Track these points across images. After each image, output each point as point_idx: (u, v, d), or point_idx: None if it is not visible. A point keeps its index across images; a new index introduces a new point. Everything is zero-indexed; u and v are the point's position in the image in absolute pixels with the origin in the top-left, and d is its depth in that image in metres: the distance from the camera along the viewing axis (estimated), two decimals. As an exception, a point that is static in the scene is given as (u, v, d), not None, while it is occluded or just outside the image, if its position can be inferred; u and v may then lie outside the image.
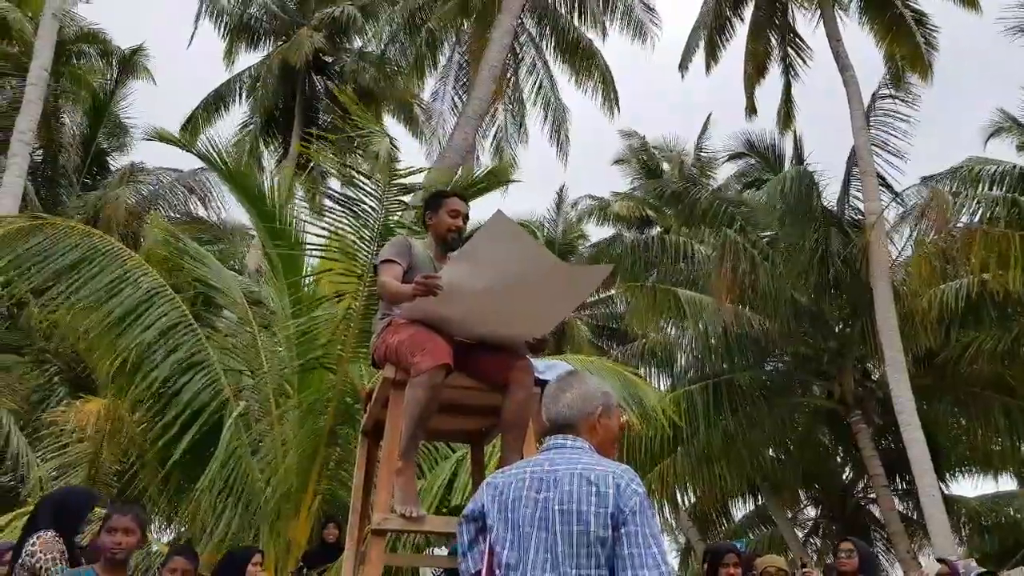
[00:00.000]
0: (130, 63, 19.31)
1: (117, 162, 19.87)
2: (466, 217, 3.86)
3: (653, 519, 2.16)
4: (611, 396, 2.45)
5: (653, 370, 16.32)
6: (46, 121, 16.12)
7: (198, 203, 18.69)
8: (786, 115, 17.53)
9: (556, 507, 2.12)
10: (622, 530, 2.08)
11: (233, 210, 19.98)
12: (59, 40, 15.93)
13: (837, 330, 15.28)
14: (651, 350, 15.96)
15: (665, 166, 22.51)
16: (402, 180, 7.07)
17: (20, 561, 4.17)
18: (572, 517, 2.09)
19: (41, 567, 4.04)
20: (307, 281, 7.90)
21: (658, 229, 22.14)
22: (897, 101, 14.42)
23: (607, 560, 2.07)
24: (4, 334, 13.54)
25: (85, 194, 17.12)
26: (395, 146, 7.26)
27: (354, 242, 7.40)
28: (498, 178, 10.04)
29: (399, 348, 3.36)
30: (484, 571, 2.18)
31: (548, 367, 3.86)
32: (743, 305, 14.66)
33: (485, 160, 20.40)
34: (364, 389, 7.59)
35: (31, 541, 4.16)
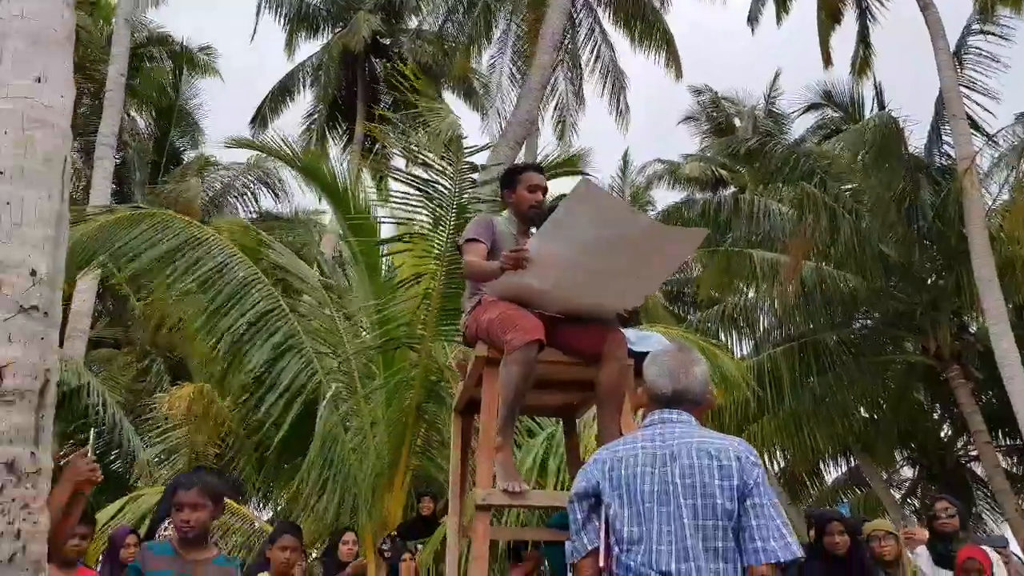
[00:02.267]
0: (198, 63, 19.78)
1: (190, 159, 20.45)
2: (545, 190, 3.80)
3: (772, 490, 2.16)
4: None
5: (734, 335, 16.00)
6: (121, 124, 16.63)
7: (267, 192, 19.15)
8: (863, 61, 16.80)
9: (679, 481, 2.10)
10: (747, 502, 2.09)
11: (301, 198, 20.36)
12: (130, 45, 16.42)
13: (929, 283, 14.67)
14: (730, 315, 15.63)
15: (736, 122, 21.81)
16: (471, 158, 7.06)
17: None
18: (696, 490, 2.09)
19: None
20: (388, 266, 7.98)
21: (731, 189, 21.60)
22: (987, 37, 13.62)
23: (733, 532, 2.06)
24: (105, 329, 14.15)
25: (159, 186, 17.65)
26: (459, 124, 7.22)
27: (429, 223, 7.45)
28: (572, 166, 9.96)
29: (490, 326, 3.35)
30: (602, 548, 2.15)
31: (640, 338, 3.79)
32: (826, 262, 14.20)
33: (547, 132, 20.24)
34: (459, 363, 7.70)
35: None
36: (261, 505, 10.94)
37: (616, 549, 2.13)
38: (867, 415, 15.51)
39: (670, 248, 3.26)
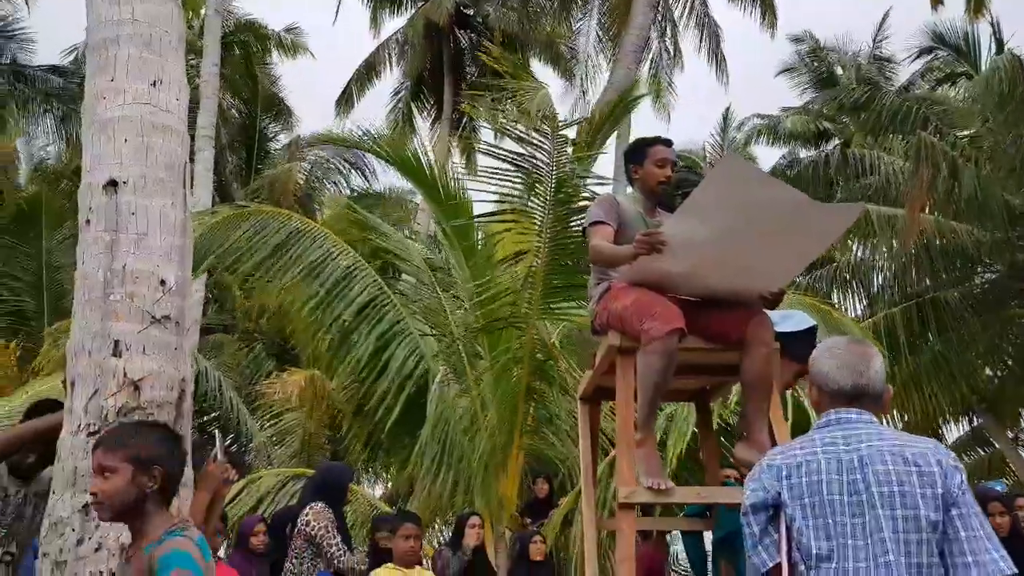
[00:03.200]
0: (285, 45, 20.04)
1: (281, 144, 20.85)
2: (675, 164, 3.55)
3: (973, 497, 1.93)
4: None
5: (848, 295, 15.28)
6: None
7: (357, 173, 19.34)
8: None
9: (875, 489, 1.88)
10: (952, 512, 1.87)
11: (393, 175, 20.45)
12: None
13: (1057, 232, 13.65)
14: (841, 274, 14.94)
15: (839, 71, 20.66)
16: (566, 131, 6.84)
17: (297, 530, 4.88)
18: (896, 500, 1.87)
19: (316, 534, 4.75)
20: (484, 244, 7.89)
21: (837, 142, 20.57)
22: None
23: (937, 544, 1.85)
24: (213, 316, 14.61)
25: (259, 175, 18.04)
26: (550, 98, 7.00)
27: (527, 198, 7.29)
28: (628, 98, 9.54)
29: (624, 314, 3.15)
30: (784, 565, 1.96)
31: (783, 317, 3.53)
32: (945, 214, 13.36)
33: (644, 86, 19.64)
34: (552, 348, 7.52)
35: (305, 512, 4.84)
36: (380, 484, 11.13)
37: (801, 566, 1.93)
38: (991, 373, 14.65)
39: (821, 226, 2.98)
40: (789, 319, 3.69)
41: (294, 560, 4.95)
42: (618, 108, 9.08)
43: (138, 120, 2.99)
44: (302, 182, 17.62)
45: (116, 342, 2.74)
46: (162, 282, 2.86)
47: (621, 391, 3.25)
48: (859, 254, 15.29)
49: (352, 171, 19.69)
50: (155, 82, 3.07)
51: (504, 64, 7.68)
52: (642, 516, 3.87)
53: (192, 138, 14.01)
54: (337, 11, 21.86)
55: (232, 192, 18.10)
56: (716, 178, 2.86)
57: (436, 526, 8.49)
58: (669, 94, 19.19)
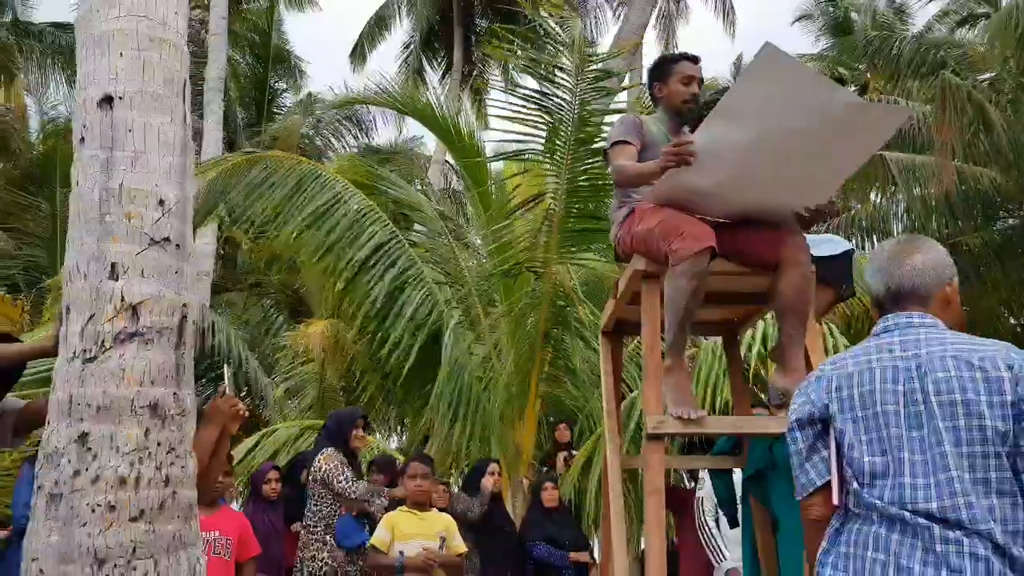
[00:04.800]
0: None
1: (292, 100, 20.57)
2: (701, 81, 3.34)
3: None
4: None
5: (866, 243, 14.99)
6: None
7: (361, 131, 19.07)
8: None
9: (934, 399, 1.69)
10: None
11: (397, 132, 20.17)
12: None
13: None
14: (859, 222, 14.63)
15: (855, 16, 20.11)
16: (596, 65, 6.60)
17: (312, 478, 4.96)
18: (958, 409, 1.67)
19: (327, 476, 4.84)
20: (500, 189, 7.72)
21: (853, 88, 20.09)
22: None
23: (1008, 458, 1.65)
24: (220, 272, 14.51)
25: (264, 126, 17.82)
26: (581, 27, 6.73)
27: (548, 139, 7.08)
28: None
29: (649, 236, 2.97)
30: (835, 483, 1.79)
31: (815, 242, 3.34)
32: (968, 159, 13.00)
33: (651, 39, 19.23)
34: (570, 291, 7.37)
35: (317, 459, 4.93)
36: (394, 436, 11.08)
37: (853, 484, 1.76)
38: (1014, 321, 14.38)
39: (865, 131, 2.71)
40: (826, 243, 3.50)
41: (313, 507, 4.92)
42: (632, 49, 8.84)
43: (134, 33, 2.79)
44: (308, 137, 17.38)
45: (113, 264, 2.58)
46: (161, 202, 2.70)
47: (648, 319, 3.08)
48: (878, 202, 14.96)
49: (358, 128, 19.44)
50: (150, -6, 2.87)
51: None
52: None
53: (201, 91, 13.89)
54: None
55: (240, 147, 17.91)
56: (753, 76, 2.57)
57: (453, 477, 8.42)
58: (675, 45, 18.73)
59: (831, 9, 20.46)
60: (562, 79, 6.68)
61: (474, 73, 21.07)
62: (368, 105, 19.73)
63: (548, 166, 7.13)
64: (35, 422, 2.83)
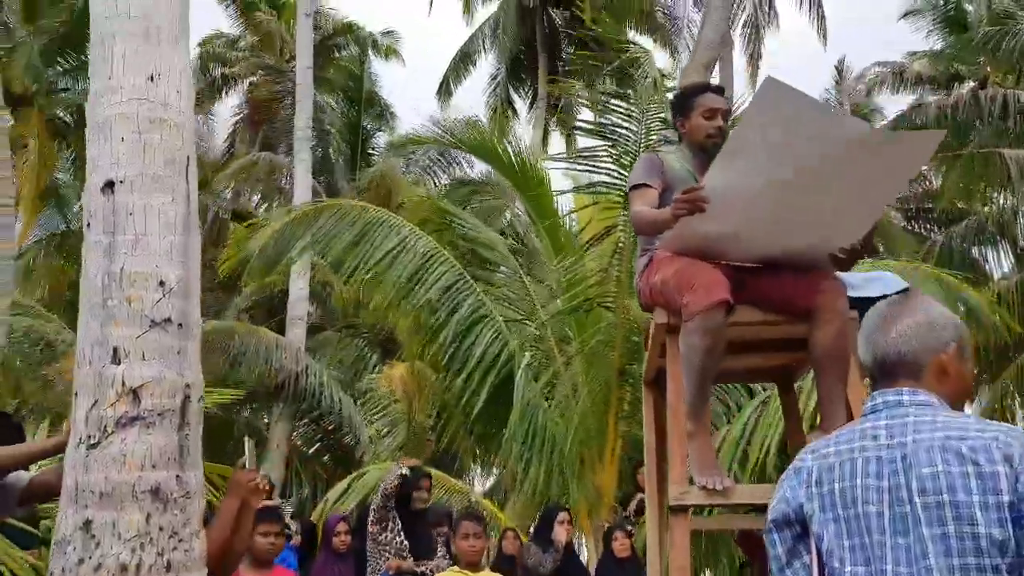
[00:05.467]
0: (381, 48, 20.36)
1: (383, 142, 21.16)
2: (727, 114, 3.11)
3: None
4: (965, 329, 1.66)
5: (995, 252, 13.92)
6: (316, 116, 17.41)
7: (449, 164, 19.36)
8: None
9: (918, 500, 1.42)
10: None
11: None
12: (319, 37, 17.09)
13: None
14: (982, 227, 13.63)
15: (968, 7, 18.90)
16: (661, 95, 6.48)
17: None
18: (947, 513, 1.39)
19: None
20: (569, 224, 7.63)
21: (970, 84, 18.86)
22: None
23: (1011, 572, 1.37)
24: (320, 312, 14.94)
25: (362, 171, 18.37)
26: (654, 62, 6.66)
27: (615, 171, 6.97)
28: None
29: (665, 288, 2.78)
30: None
31: (867, 280, 3.05)
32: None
33: (739, 57, 18.68)
34: (644, 328, 7.15)
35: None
36: (480, 475, 11.04)
37: None
38: None
39: (895, 160, 2.47)
40: (876, 282, 3.18)
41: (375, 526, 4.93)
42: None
43: (135, 117, 2.85)
44: (403, 172, 17.80)
45: (115, 349, 2.62)
46: (161, 283, 2.72)
47: (671, 376, 2.87)
48: (1003, 204, 13.90)
49: (447, 163, 19.76)
50: (152, 76, 2.92)
51: (600, 27, 7.39)
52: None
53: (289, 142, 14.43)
54: (431, 3, 21.72)
55: (340, 191, 18.48)
56: (757, 111, 2.38)
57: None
58: (764, 56, 18.14)
59: (941, 2, 19.31)
60: (628, 110, 6.58)
61: (560, 101, 21.09)
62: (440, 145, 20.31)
63: (618, 198, 6.99)
64: (43, 495, 2.88)
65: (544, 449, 7.10)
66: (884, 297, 3.17)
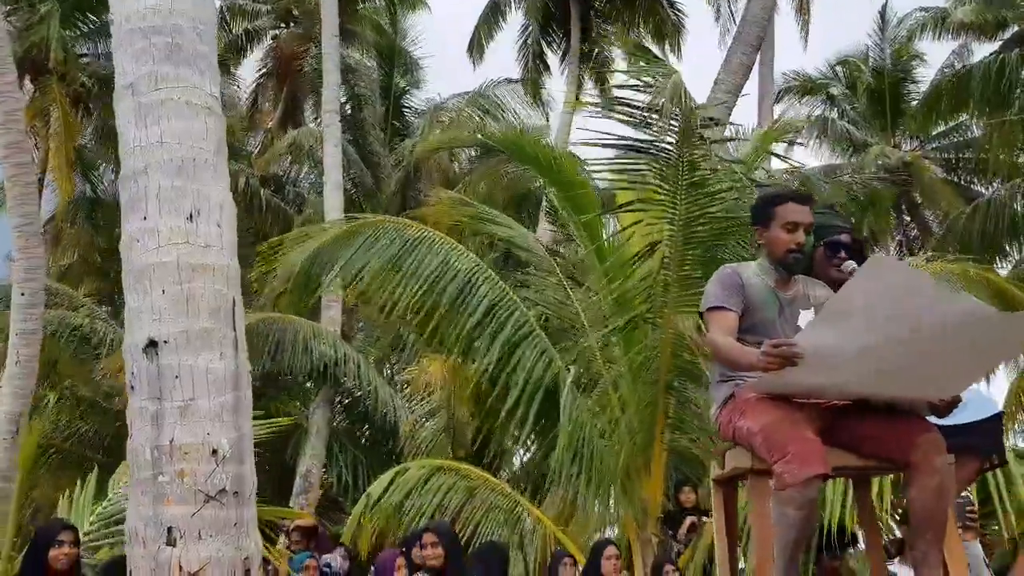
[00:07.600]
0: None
1: (415, 99, 20.71)
2: (809, 227, 2.87)
3: None
4: None
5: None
6: (345, 78, 17.01)
7: (492, 121, 18.93)
8: None
9: None
10: None
11: (528, 122, 19.91)
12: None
13: None
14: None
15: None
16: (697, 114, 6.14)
17: None
18: None
19: None
20: (614, 239, 7.36)
21: (1015, 29, 17.92)
22: None
23: None
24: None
25: (398, 144, 18.02)
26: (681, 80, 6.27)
27: (657, 185, 6.67)
28: (774, 138, 8.56)
29: (752, 442, 2.64)
30: None
31: (961, 404, 2.84)
32: None
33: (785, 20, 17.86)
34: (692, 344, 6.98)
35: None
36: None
37: None
38: None
39: (1001, 335, 2.39)
40: (968, 404, 2.98)
41: None
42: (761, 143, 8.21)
43: (174, 265, 2.68)
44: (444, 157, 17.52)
45: (169, 529, 2.51)
46: (214, 452, 2.59)
47: (757, 529, 2.72)
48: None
49: (486, 119, 19.33)
50: (191, 214, 2.74)
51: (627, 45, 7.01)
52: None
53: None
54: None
55: (377, 160, 18.12)
56: (864, 282, 2.34)
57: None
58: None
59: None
60: (666, 125, 6.27)
61: (594, 52, 20.46)
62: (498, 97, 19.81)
63: (658, 213, 6.73)
64: None
65: (590, 462, 7.02)
66: (975, 424, 3.00)
